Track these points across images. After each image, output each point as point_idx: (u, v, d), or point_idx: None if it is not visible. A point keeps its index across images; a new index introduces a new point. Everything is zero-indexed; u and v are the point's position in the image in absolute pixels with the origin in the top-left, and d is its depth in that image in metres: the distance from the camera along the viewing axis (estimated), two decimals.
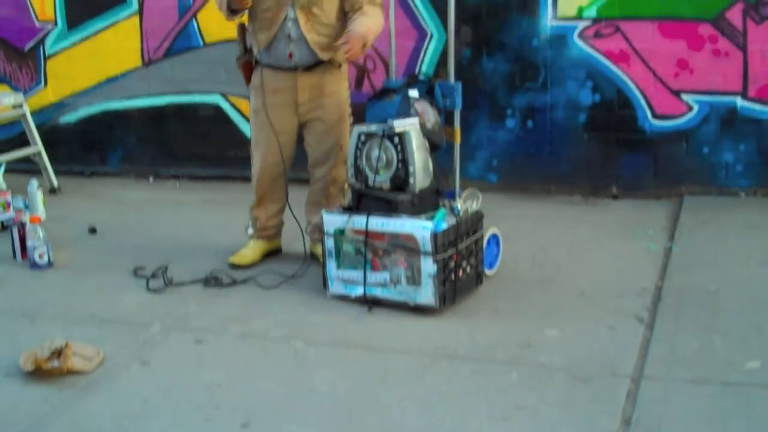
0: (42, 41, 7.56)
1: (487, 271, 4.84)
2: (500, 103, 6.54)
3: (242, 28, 5.07)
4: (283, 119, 5.02)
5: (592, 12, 6.23)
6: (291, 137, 5.11)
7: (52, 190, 7.09)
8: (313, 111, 5.02)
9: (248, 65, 5.08)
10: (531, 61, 6.41)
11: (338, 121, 5.07)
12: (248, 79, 5.13)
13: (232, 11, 4.81)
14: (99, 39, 7.38)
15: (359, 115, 5.07)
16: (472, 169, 6.60)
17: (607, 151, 6.41)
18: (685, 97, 6.20)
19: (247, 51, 5.06)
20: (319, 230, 4.88)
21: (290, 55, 4.88)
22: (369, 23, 4.76)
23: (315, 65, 4.93)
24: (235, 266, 5.16)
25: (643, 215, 5.98)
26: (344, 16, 4.90)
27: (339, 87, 5.06)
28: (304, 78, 4.94)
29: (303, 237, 5.23)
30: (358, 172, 4.60)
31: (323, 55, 4.88)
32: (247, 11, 4.89)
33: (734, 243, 5.31)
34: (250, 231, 5.35)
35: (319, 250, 5.02)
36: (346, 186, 5.17)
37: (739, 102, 6.11)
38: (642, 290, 4.64)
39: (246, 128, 6.64)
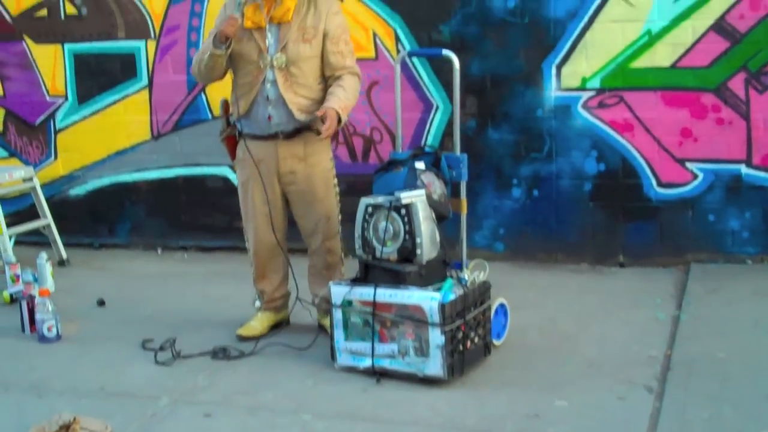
0: (53, 115, 7.66)
1: (495, 342, 4.84)
2: (506, 173, 6.59)
3: (225, 104, 5.15)
4: (269, 190, 5.04)
5: (595, 83, 6.31)
6: (280, 207, 5.13)
7: (61, 263, 7.12)
8: (295, 182, 5.03)
9: (231, 139, 5.14)
10: (536, 132, 6.47)
11: (322, 192, 5.07)
12: (233, 153, 5.18)
13: (218, 47, 4.83)
14: (109, 113, 7.47)
15: (366, 186, 5.12)
16: (479, 237, 6.62)
17: (613, 219, 6.43)
18: (689, 165, 6.25)
19: (230, 125, 5.12)
20: (326, 302, 4.90)
21: (269, 118, 4.91)
22: (345, 98, 4.81)
23: (295, 133, 4.94)
24: (243, 338, 5.16)
25: (650, 283, 5.98)
26: (324, 80, 4.97)
27: (321, 158, 5.05)
28: (285, 147, 4.96)
29: (298, 303, 5.23)
30: (366, 243, 4.63)
31: (300, 116, 4.87)
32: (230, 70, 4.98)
33: (742, 311, 5.31)
34: (258, 303, 5.36)
35: (326, 321, 5.02)
36: (342, 255, 5.21)
37: (744, 170, 6.15)
38: (651, 359, 4.63)
39: None
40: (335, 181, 5.17)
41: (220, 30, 4.79)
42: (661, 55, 6.16)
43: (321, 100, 4.90)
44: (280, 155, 4.97)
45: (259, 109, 4.94)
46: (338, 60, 4.90)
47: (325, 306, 4.97)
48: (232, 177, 7.16)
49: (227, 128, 5.15)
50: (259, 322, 5.27)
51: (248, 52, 4.90)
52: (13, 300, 5.99)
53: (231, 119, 5.12)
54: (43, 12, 7.50)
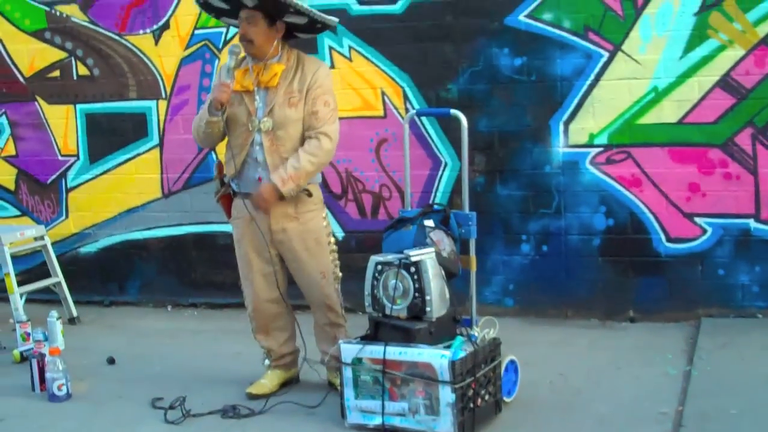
0: (64, 174, 7.73)
1: (506, 398, 4.82)
2: (515, 229, 6.61)
3: (219, 165, 5.20)
4: (264, 248, 5.08)
5: (603, 139, 6.36)
6: (278, 264, 5.15)
7: (72, 320, 7.14)
8: (287, 240, 5.05)
9: (226, 198, 5.19)
10: (544, 188, 6.51)
11: (315, 250, 5.08)
12: (228, 212, 5.24)
13: (213, 114, 4.92)
14: (120, 171, 7.54)
15: (376, 242, 5.14)
16: (489, 293, 6.63)
17: (622, 274, 6.44)
18: (698, 220, 6.26)
19: (224, 185, 5.17)
20: (334, 359, 4.89)
21: (259, 179, 4.95)
22: (294, 167, 4.83)
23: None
24: (253, 396, 5.16)
25: (660, 338, 5.97)
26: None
27: (313, 215, 5.07)
28: (276, 206, 4.96)
29: (302, 359, 5.23)
30: (375, 301, 4.64)
31: (284, 189, 4.87)
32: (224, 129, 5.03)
33: (754, 365, 5.28)
34: (267, 362, 5.36)
35: (336, 379, 5.02)
36: (344, 312, 5.24)
37: (753, 224, 6.17)
38: (662, 416, 4.61)
39: None
40: (330, 239, 5.17)
41: (213, 97, 4.89)
42: (668, 112, 6.21)
43: None
44: (272, 214, 5.00)
45: (249, 171, 5.00)
46: (312, 121, 4.91)
47: (334, 364, 4.96)
48: None
49: (221, 188, 5.21)
50: (268, 380, 5.27)
51: (239, 115, 4.97)
52: (24, 358, 6.00)
53: (225, 179, 5.17)
54: (56, 73, 7.61)
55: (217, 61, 7.10)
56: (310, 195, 4.99)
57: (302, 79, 4.91)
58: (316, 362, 5.28)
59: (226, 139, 5.10)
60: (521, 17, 6.42)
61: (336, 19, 5.05)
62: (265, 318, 5.24)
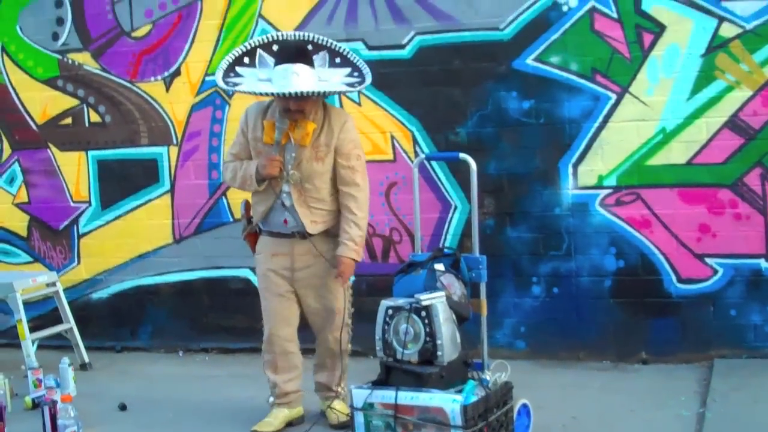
0: (76, 220, 7.77)
1: None
2: (525, 271, 6.61)
3: (246, 205, 5.35)
4: (285, 283, 5.20)
5: (612, 181, 6.37)
6: (293, 300, 5.26)
7: (83, 366, 7.13)
8: (309, 276, 5.18)
9: (253, 236, 5.33)
10: (554, 230, 6.52)
11: (333, 286, 5.19)
12: (254, 249, 5.38)
13: (259, 181, 5.07)
14: (131, 217, 7.57)
15: (386, 286, 5.15)
16: (500, 336, 6.62)
17: (634, 316, 6.42)
18: (709, 260, 6.26)
19: (250, 223, 5.31)
20: (326, 388, 5.20)
21: (285, 222, 5.12)
22: (359, 234, 5.07)
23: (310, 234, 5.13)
24: None
25: (673, 380, 5.94)
26: (336, 190, 5.15)
27: (334, 254, 5.17)
28: (300, 245, 5.14)
29: (311, 399, 5.24)
30: (386, 345, 4.64)
31: (312, 228, 5.09)
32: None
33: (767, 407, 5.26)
34: (271, 399, 5.39)
35: (329, 408, 5.18)
36: (349, 347, 5.32)
37: (764, 264, 6.16)
38: None
39: None
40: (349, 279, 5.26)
41: (266, 173, 5.00)
42: (677, 153, 6.23)
43: (334, 210, 5.15)
44: (296, 252, 5.16)
45: (276, 215, 5.15)
46: (349, 175, 5.09)
47: (325, 392, 5.19)
48: (254, 279, 7.21)
49: (248, 226, 5.33)
50: (273, 418, 5.30)
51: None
52: (36, 405, 6.00)
53: (252, 219, 5.29)
54: (68, 120, 7.68)
55: (227, 108, 7.15)
56: (334, 236, 5.14)
57: (329, 134, 5.05)
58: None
59: None
60: (529, 60, 6.47)
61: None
62: (277, 353, 5.30)
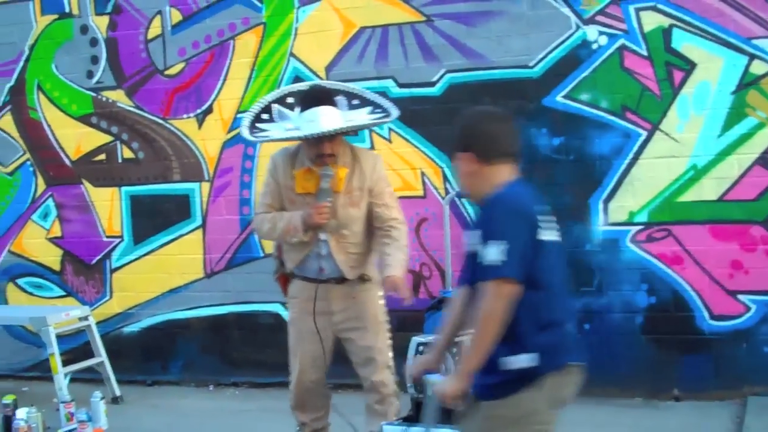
0: (108, 255, 7.84)
1: None
2: None
3: (279, 248, 5.26)
4: (322, 327, 5.09)
5: (643, 217, 6.36)
6: (327, 345, 5.16)
7: (115, 400, 7.17)
8: (347, 320, 5.11)
9: (284, 278, 5.26)
10: (585, 266, 6.51)
11: (372, 327, 5.12)
12: (285, 291, 5.30)
13: (304, 233, 4.95)
14: (163, 252, 7.64)
15: (416, 322, 5.17)
16: None
17: (666, 352, 6.39)
18: (741, 297, 6.23)
19: (283, 264, 5.24)
20: None
21: (321, 270, 5.03)
22: (404, 260, 4.98)
23: (346, 278, 5.08)
24: None
25: (706, 418, 5.90)
26: (370, 231, 5.09)
27: (371, 294, 5.13)
28: (336, 289, 5.06)
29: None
30: (417, 382, 4.63)
31: (350, 274, 5.02)
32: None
33: None
34: None
35: None
36: (396, 390, 5.19)
37: None
38: None
39: None
40: (386, 317, 5.21)
41: (312, 221, 4.86)
42: (708, 189, 6.22)
43: (368, 252, 5.09)
44: (332, 296, 5.06)
45: (311, 262, 5.06)
46: (384, 212, 5.02)
47: None
48: (284, 313, 7.22)
49: (281, 267, 5.27)
50: None
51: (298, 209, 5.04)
52: None
53: (283, 259, 5.24)
54: (102, 156, 7.78)
55: (258, 145, 7.19)
56: (369, 280, 5.09)
57: (361, 177, 4.98)
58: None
59: None
60: (558, 98, 6.50)
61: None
62: (305, 394, 5.25)
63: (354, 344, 5.16)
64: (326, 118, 4.84)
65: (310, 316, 5.07)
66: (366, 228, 5.08)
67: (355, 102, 5.16)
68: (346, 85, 5.26)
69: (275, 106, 5.15)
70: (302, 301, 5.12)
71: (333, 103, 4.97)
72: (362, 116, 5.11)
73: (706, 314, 6.30)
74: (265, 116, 5.14)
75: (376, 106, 5.16)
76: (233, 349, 7.55)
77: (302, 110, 4.96)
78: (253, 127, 5.10)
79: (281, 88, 5.35)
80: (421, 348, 4.62)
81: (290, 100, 5.15)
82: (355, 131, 5.10)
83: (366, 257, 5.10)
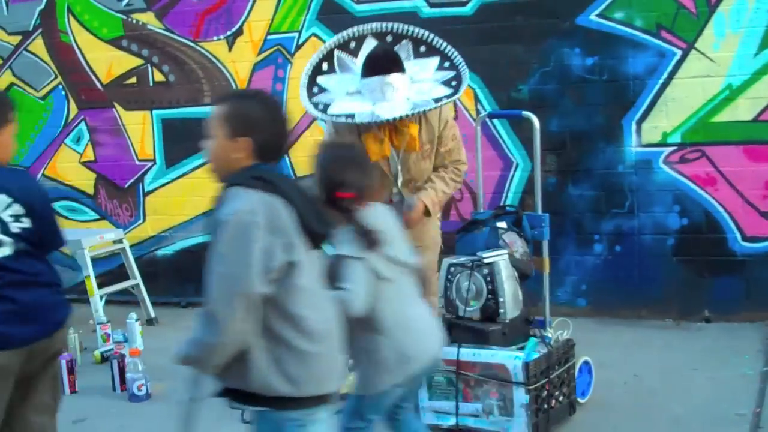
0: (141, 179, 7.89)
1: (580, 400, 4.82)
2: (587, 229, 6.59)
3: None
4: None
5: (676, 138, 6.30)
6: None
7: (150, 321, 7.28)
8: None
9: None
10: (617, 187, 6.48)
11: (432, 249, 5.08)
12: None
13: None
14: (196, 175, 7.66)
15: (448, 244, 5.17)
16: (561, 293, 6.61)
17: (697, 274, 6.38)
18: None
19: None
20: None
21: (390, 201, 4.94)
22: (442, 191, 4.86)
23: None
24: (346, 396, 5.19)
25: (736, 339, 5.90)
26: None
27: (431, 219, 5.05)
28: None
29: None
30: (449, 303, 4.66)
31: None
32: None
33: None
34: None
35: None
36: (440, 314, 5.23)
37: None
38: (739, 417, 4.57)
39: None
40: (440, 241, 5.16)
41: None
42: (743, 110, 6.14)
43: None
44: None
45: None
46: (445, 156, 4.91)
47: None
48: None
49: None
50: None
51: None
52: (105, 359, 6.15)
53: None
54: (133, 80, 7.78)
55: (289, 66, 7.17)
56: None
57: (429, 130, 4.84)
58: None
59: None
60: (592, 16, 6.40)
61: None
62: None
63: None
64: (392, 91, 4.64)
65: None
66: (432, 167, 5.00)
67: (422, 49, 4.94)
68: (412, 29, 4.99)
69: (337, 53, 4.95)
70: None
71: (401, 67, 4.73)
72: (428, 75, 4.86)
73: (738, 236, 6.27)
74: (325, 66, 4.93)
75: (444, 56, 4.91)
76: None
77: (365, 75, 4.72)
78: (312, 83, 4.89)
79: (342, 33, 4.96)
80: (452, 269, 4.63)
81: (353, 45, 4.96)
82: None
83: None
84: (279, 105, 3.13)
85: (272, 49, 7.28)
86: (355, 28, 4.97)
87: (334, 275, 3.38)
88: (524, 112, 5.11)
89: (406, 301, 3.56)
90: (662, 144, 6.36)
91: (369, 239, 3.42)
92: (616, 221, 6.51)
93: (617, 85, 6.40)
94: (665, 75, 6.28)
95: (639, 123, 6.38)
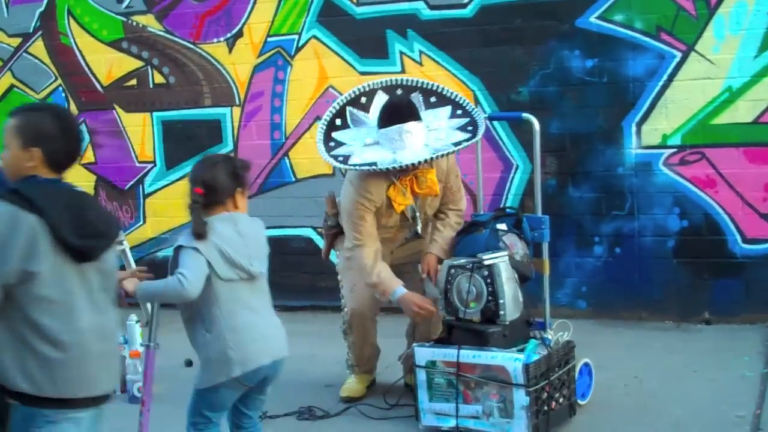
0: (141, 180, 7.89)
1: (580, 401, 4.82)
2: (587, 231, 6.59)
3: (332, 198, 5.26)
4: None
5: (676, 140, 6.31)
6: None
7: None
8: (407, 257, 5.18)
9: (336, 235, 5.27)
10: (617, 189, 6.48)
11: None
12: (329, 247, 5.34)
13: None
14: None
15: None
16: (561, 295, 6.61)
17: (697, 276, 6.38)
18: None
19: (338, 224, 5.21)
20: (408, 360, 4.94)
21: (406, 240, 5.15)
22: (449, 239, 4.97)
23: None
24: (347, 400, 5.22)
25: (736, 341, 5.91)
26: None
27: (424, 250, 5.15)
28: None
29: (383, 364, 5.26)
30: (449, 304, 4.66)
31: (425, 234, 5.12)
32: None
33: None
34: (350, 362, 5.42)
35: (412, 380, 5.04)
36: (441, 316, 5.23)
37: None
38: (739, 419, 4.57)
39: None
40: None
41: (413, 315, 4.93)
42: (743, 112, 6.15)
43: None
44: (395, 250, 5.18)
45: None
46: (447, 196, 5.02)
47: (410, 365, 4.98)
48: (316, 238, 7.30)
49: (334, 226, 5.26)
50: (361, 384, 5.33)
51: (393, 223, 5.01)
52: None
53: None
54: (133, 82, 7.78)
55: (289, 68, 7.18)
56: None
57: (439, 171, 4.91)
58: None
59: None
60: (592, 19, 6.41)
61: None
62: (363, 329, 5.26)
63: (414, 272, 5.16)
64: (411, 137, 4.72)
65: None
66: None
67: (432, 100, 5.03)
68: (421, 81, 5.11)
69: (349, 109, 5.04)
70: None
71: (416, 116, 4.81)
72: (443, 123, 4.94)
73: (738, 238, 6.27)
74: (338, 122, 5.02)
75: (455, 104, 5.01)
76: None
77: (383, 125, 4.79)
78: (328, 139, 4.96)
79: (352, 89, 5.09)
80: (452, 271, 4.63)
81: (363, 100, 5.04)
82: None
83: None
84: (71, 119, 3.31)
85: (272, 51, 7.29)
86: (364, 84, 5.10)
87: (175, 263, 3.86)
88: (524, 114, 5.12)
89: (240, 305, 3.82)
90: (662, 146, 6.36)
91: (196, 231, 3.75)
92: (616, 223, 6.51)
93: (617, 87, 6.40)
94: (665, 77, 6.28)
95: (639, 125, 6.39)
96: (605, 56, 6.40)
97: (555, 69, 6.52)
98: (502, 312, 4.49)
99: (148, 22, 7.65)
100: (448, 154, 4.78)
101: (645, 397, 5.00)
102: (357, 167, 4.77)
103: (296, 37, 7.19)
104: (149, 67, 7.72)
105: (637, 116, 6.39)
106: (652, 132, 6.37)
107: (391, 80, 5.11)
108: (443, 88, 5.06)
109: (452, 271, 4.65)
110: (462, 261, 4.64)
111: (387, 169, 4.68)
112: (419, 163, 4.67)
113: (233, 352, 3.73)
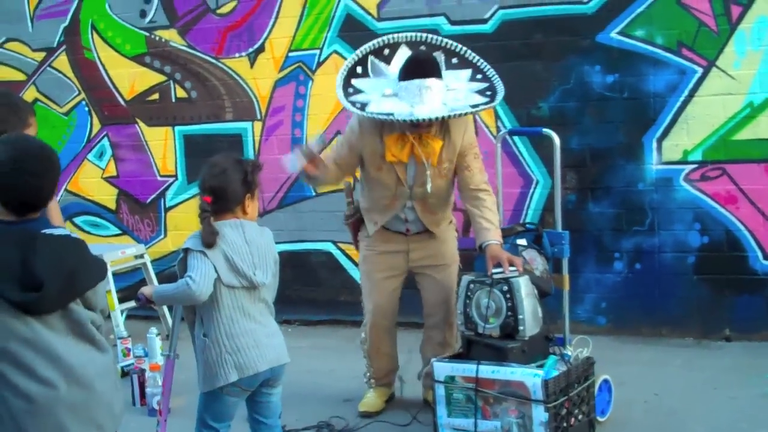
0: (163, 194, 7.94)
1: (600, 418, 4.80)
2: (608, 247, 6.57)
3: (349, 188, 5.29)
4: (393, 265, 5.15)
5: (697, 155, 6.29)
6: (400, 281, 5.21)
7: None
8: (425, 259, 5.13)
9: (357, 223, 5.28)
10: (637, 205, 6.46)
11: (450, 267, 5.16)
12: (356, 236, 5.31)
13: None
14: None
15: (467, 262, 5.17)
16: (581, 311, 6.59)
17: (718, 292, 6.35)
18: None
19: (357, 210, 5.24)
20: (428, 377, 4.92)
21: (407, 230, 5.10)
22: (497, 222, 4.88)
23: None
24: (365, 414, 5.23)
25: (758, 358, 5.87)
26: (453, 186, 5.09)
27: (449, 236, 5.19)
28: (415, 240, 5.12)
29: (400, 379, 5.26)
30: (468, 319, 4.67)
31: (435, 229, 5.07)
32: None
33: None
34: (370, 378, 5.43)
35: (431, 396, 5.05)
36: (458, 334, 5.22)
37: None
38: None
39: (356, 274, 6.79)
40: (457, 256, 5.25)
41: (304, 173, 4.95)
42: (764, 127, 6.12)
43: (449, 203, 5.15)
44: (411, 246, 5.13)
45: (395, 223, 5.10)
46: (468, 176, 4.93)
47: (428, 382, 4.99)
48: (336, 253, 7.31)
49: (355, 213, 5.28)
50: (379, 399, 5.34)
51: (385, 180, 4.98)
52: (125, 374, 6.16)
53: (355, 203, 5.29)
54: (155, 96, 7.83)
55: (310, 83, 7.22)
56: (450, 222, 5.20)
57: (451, 149, 4.88)
58: (404, 382, 5.33)
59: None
60: (613, 34, 6.40)
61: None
62: (379, 335, 5.26)
63: (431, 284, 5.17)
64: (430, 94, 4.67)
65: (386, 253, 5.13)
66: (451, 185, 5.08)
67: (454, 61, 5.01)
68: (445, 41, 5.08)
69: (371, 59, 5.01)
70: (378, 240, 5.14)
71: (437, 73, 4.77)
72: (462, 85, 4.91)
73: (759, 254, 6.24)
74: (359, 70, 4.98)
75: (476, 69, 4.99)
76: (285, 287, 7.45)
77: (404, 78, 4.75)
78: (347, 84, 4.92)
79: (376, 40, 5.04)
80: (471, 286, 4.63)
81: (386, 51, 5.02)
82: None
83: (448, 208, 5.15)
84: (32, 151, 2.89)
85: (293, 66, 7.32)
86: (389, 36, 5.06)
87: (183, 266, 3.84)
88: (545, 130, 5.12)
89: (240, 312, 3.85)
90: (683, 162, 6.34)
91: (206, 241, 3.75)
92: (636, 239, 6.50)
93: (638, 103, 6.39)
94: (686, 92, 6.27)
95: (660, 141, 6.37)
96: (626, 72, 6.40)
97: (575, 84, 6.52)
98: (521, 327, 4.49)
99: (171, 36, 7.70)
100: (465, 114, 4.76)
101: (665, 415, 4.98)
102: (374, 115, 4.74)
103: (317, 52, 7.22)
104: (171, 82, 7.77)
105: (658, 132, 6.37)
106: (672, 148, 6.36)
107: (415, 35, 5.08)
108: (467, 51, 5.04)
109: (472, 286, 4.65)
110: (482, 276, 4.64)
111: (403, 121, 4.65)
112: (436, 119, 4.67)
113: (230, 357, 3.79)
